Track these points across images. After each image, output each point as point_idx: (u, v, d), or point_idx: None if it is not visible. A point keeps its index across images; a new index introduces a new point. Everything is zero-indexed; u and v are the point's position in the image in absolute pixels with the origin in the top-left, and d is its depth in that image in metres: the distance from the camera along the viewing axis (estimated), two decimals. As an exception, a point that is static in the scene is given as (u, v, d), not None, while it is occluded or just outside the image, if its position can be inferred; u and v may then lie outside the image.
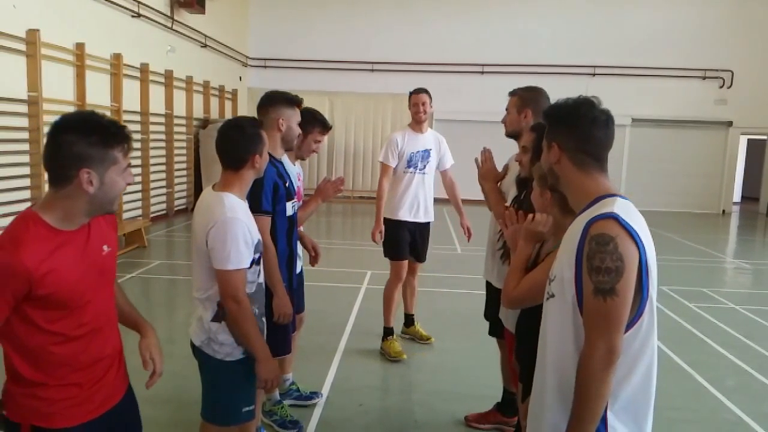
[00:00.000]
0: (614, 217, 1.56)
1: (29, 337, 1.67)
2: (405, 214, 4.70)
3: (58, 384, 1.72)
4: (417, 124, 4.72)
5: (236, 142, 2.37)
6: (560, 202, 2.01)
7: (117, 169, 1.70)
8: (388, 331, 4.76)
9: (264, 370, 2.35)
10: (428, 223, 4.83)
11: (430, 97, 4.70)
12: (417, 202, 4.71)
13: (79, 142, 1.63)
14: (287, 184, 2.99)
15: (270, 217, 2.84)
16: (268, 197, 2.80)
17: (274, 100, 3.02)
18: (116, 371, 1.89)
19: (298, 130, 3.08)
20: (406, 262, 4.77)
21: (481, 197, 3.16)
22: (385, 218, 4.76)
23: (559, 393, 1.67)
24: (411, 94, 4.72)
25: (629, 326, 1.57)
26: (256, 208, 2.66)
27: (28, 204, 7.24)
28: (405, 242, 4.73)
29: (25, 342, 1.67)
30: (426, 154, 4.72)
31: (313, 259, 3.59)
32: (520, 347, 2.43)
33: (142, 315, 2.05)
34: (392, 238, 4.73)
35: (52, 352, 1.70)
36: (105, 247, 1.83)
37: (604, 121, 1.71)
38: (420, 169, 4.71)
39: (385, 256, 4.82)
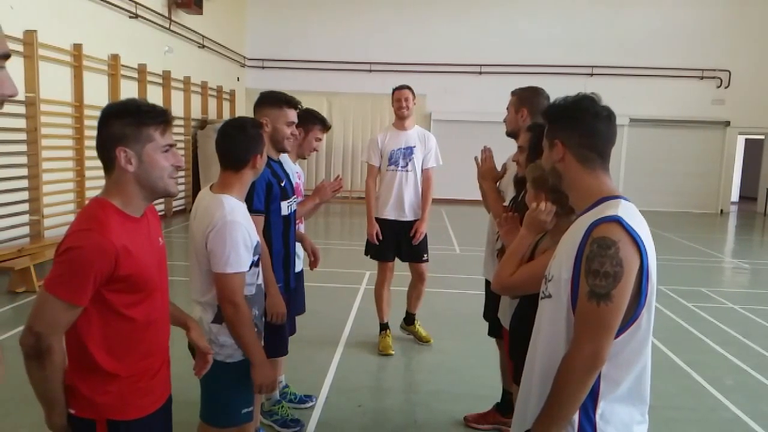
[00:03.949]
0: (619, 221, 1.52)
1: (110, 325, 1.68)
2: (389, 213, 4.69)
3: (130, 374, 1.73)
4: (400, 120, 4.70)
5: (238, 142, 2.37)
6: (559, 202, 2.02)
7: (154, 147, 1.73)
8: (381, 327, 4.83)
9: (259, 375, 2.34)
10: (416, 221, 4.70)
11: (413, 94, 4.66)
12: (401, 201, 4.66)
13: (115, 124, 1.70)
14: (282, 184, 2.95)
15: (262, 217, 2.81)
16: (260, 197, 2.78)
17: (259, 101, 2.99)
18: (167, 368, 1.92)
19: (288, 130, 2.96)
20: (389, 264, 4.79)
21: (481, 198, 3.17)
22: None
23: (545, 391, 1.65)
24: (393, 90, 4.69)
25: (624, 329, 1.55)
26: (247, 207, 2.64)
27: (27, 206, 7.24)
28: (387, 243, 4.70)
29: (105, 331, 1.68)
30: (408, 151, 4.67)
31: (312, 263, 3.57)
32: (514, 347, 2.43)
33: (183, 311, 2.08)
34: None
35: (131, 340, 1.72)
36: (160, 239, 1.88)
37: (606, 116, 1.68)
38: (402, 167, 4.66)
39: (365, 254, 4.84)
